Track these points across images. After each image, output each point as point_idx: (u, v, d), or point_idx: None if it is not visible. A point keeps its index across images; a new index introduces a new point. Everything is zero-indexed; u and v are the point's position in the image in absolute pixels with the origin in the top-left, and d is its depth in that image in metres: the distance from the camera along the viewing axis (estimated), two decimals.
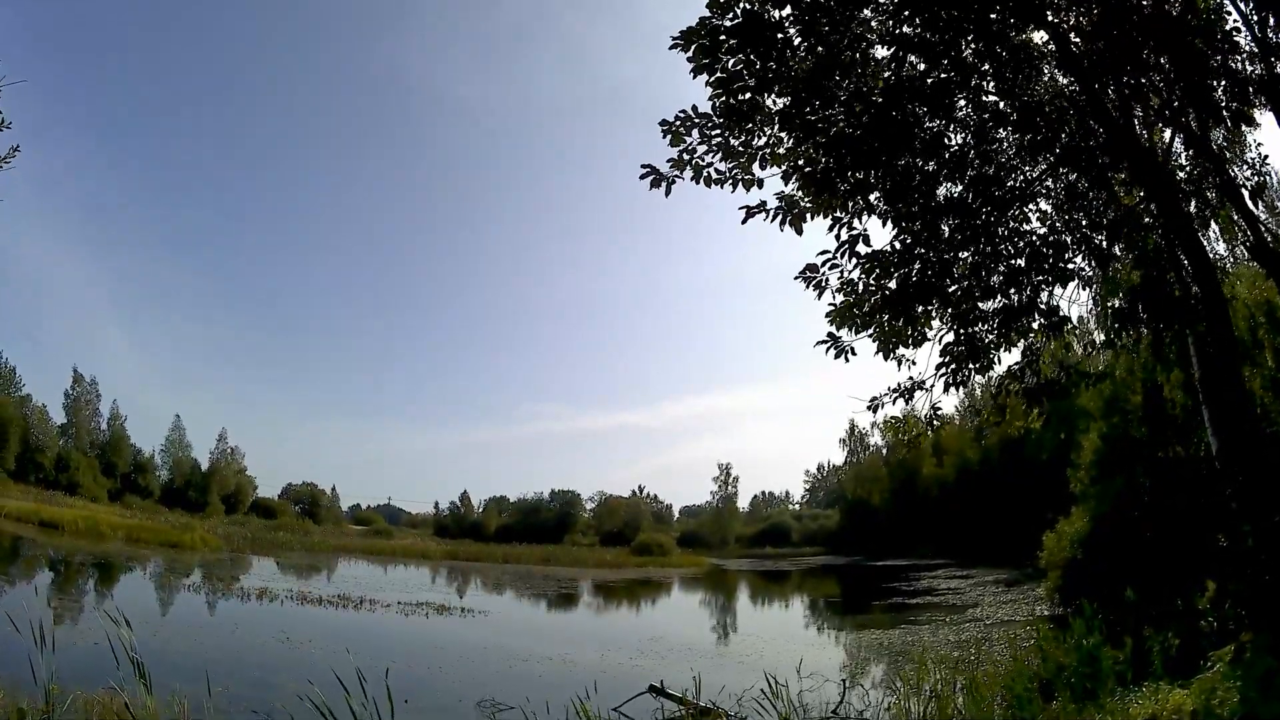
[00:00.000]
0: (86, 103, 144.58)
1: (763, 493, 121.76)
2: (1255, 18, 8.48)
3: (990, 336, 7.97)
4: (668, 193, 6.84)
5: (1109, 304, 9.00)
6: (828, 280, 7.53)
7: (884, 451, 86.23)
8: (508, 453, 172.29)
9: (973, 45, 7.66)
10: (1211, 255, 8.84)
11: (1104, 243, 8.49)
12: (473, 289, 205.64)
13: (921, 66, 7.41)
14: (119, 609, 9.17)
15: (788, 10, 6.84)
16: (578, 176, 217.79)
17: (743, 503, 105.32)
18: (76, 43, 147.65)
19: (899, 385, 7.98)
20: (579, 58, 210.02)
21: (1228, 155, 10.01)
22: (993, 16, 7.59)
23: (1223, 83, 8.98)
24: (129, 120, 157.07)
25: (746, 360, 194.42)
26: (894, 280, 7.39)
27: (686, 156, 6.84)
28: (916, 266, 7.37)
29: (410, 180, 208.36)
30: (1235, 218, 10.74)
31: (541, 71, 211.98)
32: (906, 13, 7.16)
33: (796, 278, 7.49)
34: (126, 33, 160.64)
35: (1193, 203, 9.31)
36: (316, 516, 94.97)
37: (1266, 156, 10.05)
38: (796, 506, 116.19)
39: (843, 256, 7.29)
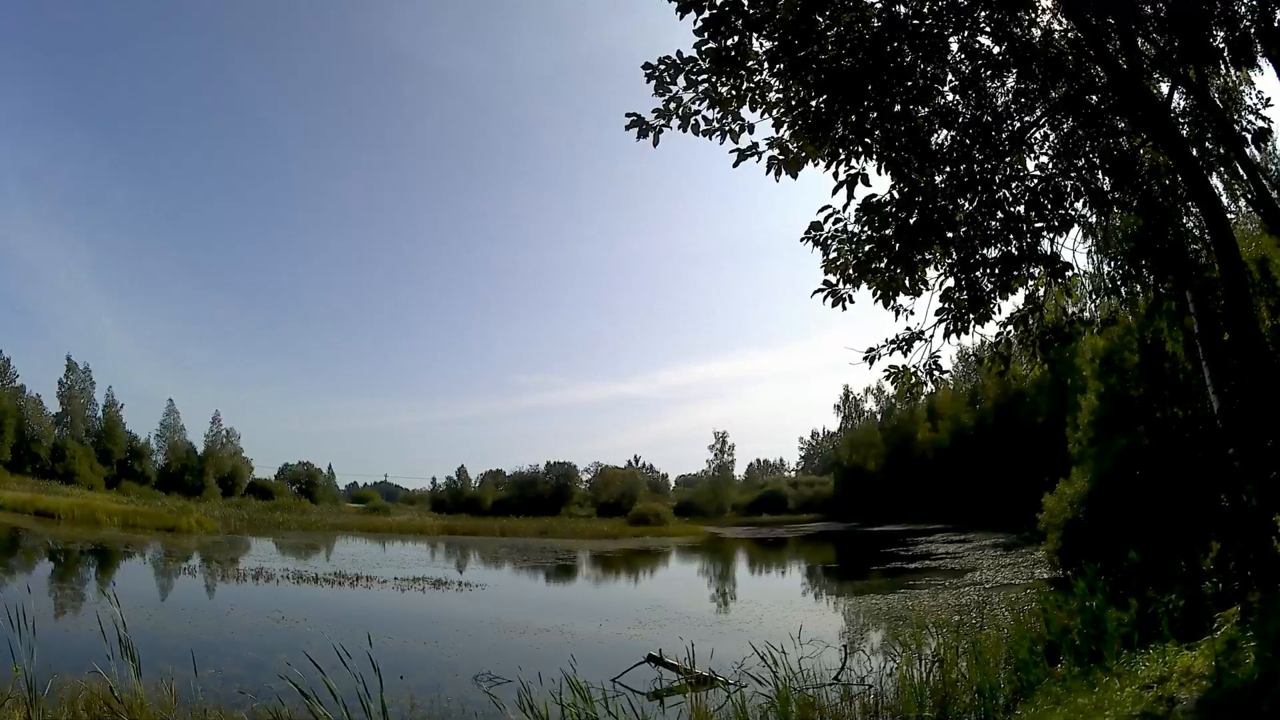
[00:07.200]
0: (70, 88, 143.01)
1: (758, 460, 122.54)
2: None
3: (990, 284, 7.78)
4: (655, 142, 6.56)
5: (1110, 253, 8.81)
6: (831, 236, 7.31)
7: (878, 417, 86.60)
8: (503, 426, 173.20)
9: None
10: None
11: (1106, 185, 8.26)
12: (463, 261, 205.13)
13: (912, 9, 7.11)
14: (113, 593, 9.05)
15: None
16: (565, 144, 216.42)
17: (738, 471, 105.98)
18: (57, 29, 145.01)
19: (897, 337, 7.80)
20: (561, 23, 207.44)
21: (1227, 105, 9.76)
22: None
23: (1222, 31, 8.72)
24: (111, 102, 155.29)
25: (741, 327, 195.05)
26: (892, 228, 7.15)
27: (673, 105, 6.54)
28: (916, 215, 7.12)
29: (397, 154, 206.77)
30: (1238, 173, 10.50)
31: (523, 38, 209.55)
32: None
33: (803, 239, 7.33)
34: (103, 10, 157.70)
35: (1194, 154, 9.07)
36: (313, 496, 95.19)
37: (1269, 100, 9.79)
38: (792, 473, 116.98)
39: (845, 209, 7.03)
